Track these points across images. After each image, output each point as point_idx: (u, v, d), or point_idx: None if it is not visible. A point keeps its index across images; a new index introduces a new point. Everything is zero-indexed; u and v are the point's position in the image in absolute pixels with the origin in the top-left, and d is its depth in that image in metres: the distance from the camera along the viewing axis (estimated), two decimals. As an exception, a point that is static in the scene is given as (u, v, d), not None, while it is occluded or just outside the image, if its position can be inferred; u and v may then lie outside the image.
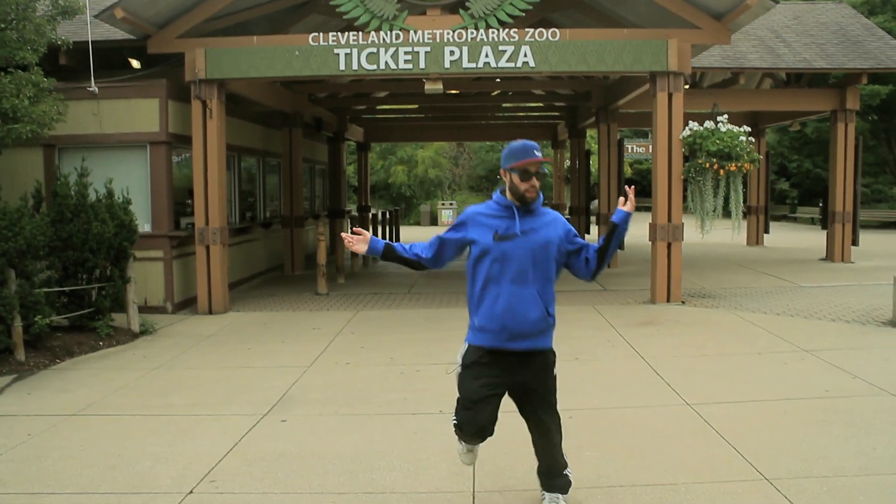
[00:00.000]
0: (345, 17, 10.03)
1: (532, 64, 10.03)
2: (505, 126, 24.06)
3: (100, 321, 8.61)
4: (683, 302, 10.46)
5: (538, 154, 3.62)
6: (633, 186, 3.85)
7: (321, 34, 10.05)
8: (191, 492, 4.32)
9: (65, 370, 7.35)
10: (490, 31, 9.96)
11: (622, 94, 13.16)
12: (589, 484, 4.32)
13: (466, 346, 3.80)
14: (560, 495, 3.92)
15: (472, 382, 3.68)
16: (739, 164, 10.15)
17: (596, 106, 14.86)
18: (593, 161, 21.36)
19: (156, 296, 10.37)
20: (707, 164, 10.11)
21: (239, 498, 4.23)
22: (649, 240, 10.61)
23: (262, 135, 14.14)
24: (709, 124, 10.29)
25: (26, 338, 7.57)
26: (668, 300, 10.41)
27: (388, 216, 20.54)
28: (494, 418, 3.71)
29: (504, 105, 20.66)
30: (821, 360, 7.08)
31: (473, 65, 10.05)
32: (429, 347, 8.03)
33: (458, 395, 3.77)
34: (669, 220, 10.36)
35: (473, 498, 4.19)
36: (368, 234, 3.85)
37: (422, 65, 10.03)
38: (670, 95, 10.27)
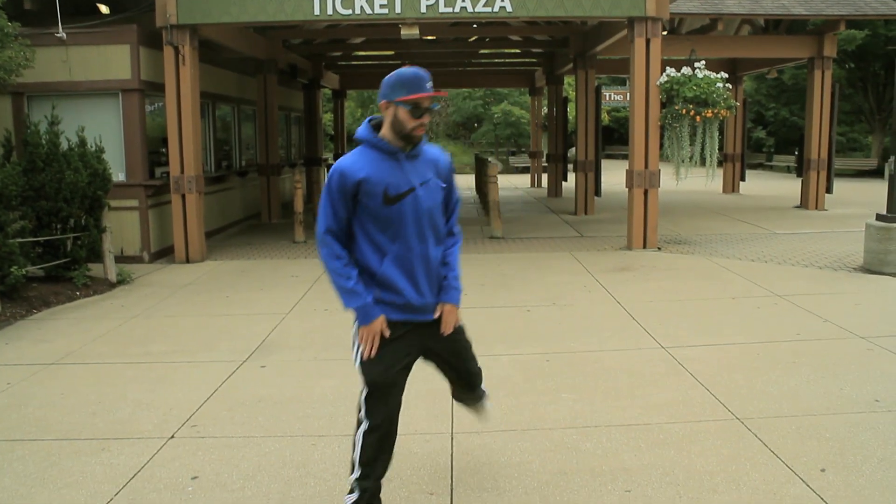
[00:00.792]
0: (319, -41, 9.82)
1: (509, 9, 9.92)
2: (482, 73, 23.87)
3: (76, 271, 8.55)
4: (659, 248, 10.57)
5: (430, 86, 3.06)
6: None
7: (295, -22, 9.85)
8: (172, 436, 4.36)
9: (42, 320, 7.32)
10: (467, -26, 9.82)
11: (600, 40, 13.07)
12: (565, 424, 4.41)
13: None
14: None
15: None
16: (716, 111, 10.17)
17: (574, 52, 14.76)
18: (571, 108, 21.31)
19: (132, 245, 10.30)
20: (683, 111, 10.12)
21: (220, 441, 4.28)
22: (626, 186, 10.66)
23: (237, 82, 13.93)
24: (686, 70, 10.27)
25: (2, 289, 7.52)
26: (644, 246, 10.51)
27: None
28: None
29: (481, 51, 20.47)
30: (793, 305, 7.21)
31: (450, 10, 9.93)
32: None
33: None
34: (646, 166, 10.40)
35: (452, 438, 4.27)
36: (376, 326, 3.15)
37: (398, 9, 9.89)
38: (648, 41, 10.22)
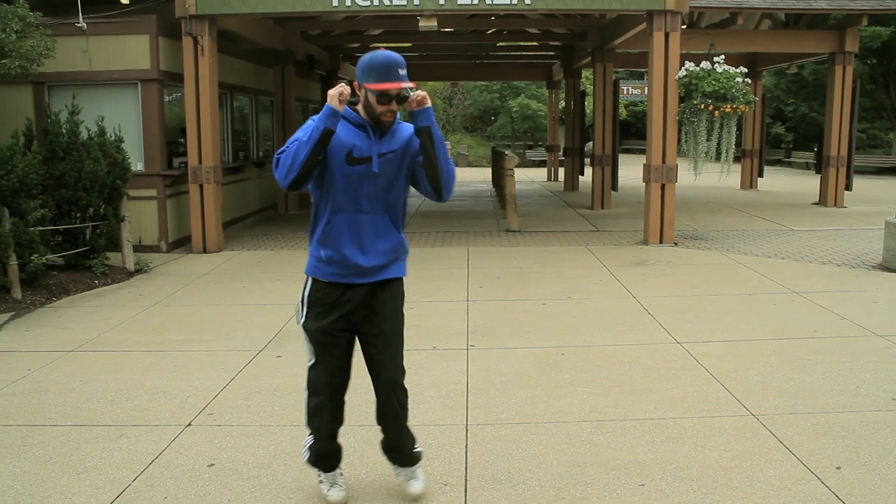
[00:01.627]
0: (338, -49, 9.83)
1: (527, 1, 9.90)
2: (499, 65, 23.80)
3: (94, 260, 8.63)
4: (676, 243, 10.53)
5: (402, 74, 3.05)
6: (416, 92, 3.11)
7: (314, -31, 9.87)
8: (189, 424, 4.41)
9: (61, 308, 7.40)
10: (486, -33, 9.80)
11: (618, 34, 13.00)
12: (580, 418, 4.41)
13: None
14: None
15: None
16: (735, 106, 10.11)
17: (592, 45, 14.69)
18: (588, 102, 21.23)
19: (150, 235, 10.38)
20: (702, 106, 10.07)
21: (236, 430, 4.32)
22: (643, 181, 10.62)
23: (255, 73, 13.97)
24: (705, 65, 10.21)
25: (22, 276, 7.59)
26: (660, 241, 10.48)
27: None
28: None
29: (499, 44, 20.38)
30: (810, 302, 7.17)
31: (468, 1, 9.92)
32: (422, 285, 8.09)
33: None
34: (664, 161, 10.35)
35: (466, 430, 4.28)
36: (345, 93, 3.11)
37: (416, 1, 9.88)
38: (667, 35, 10.16)
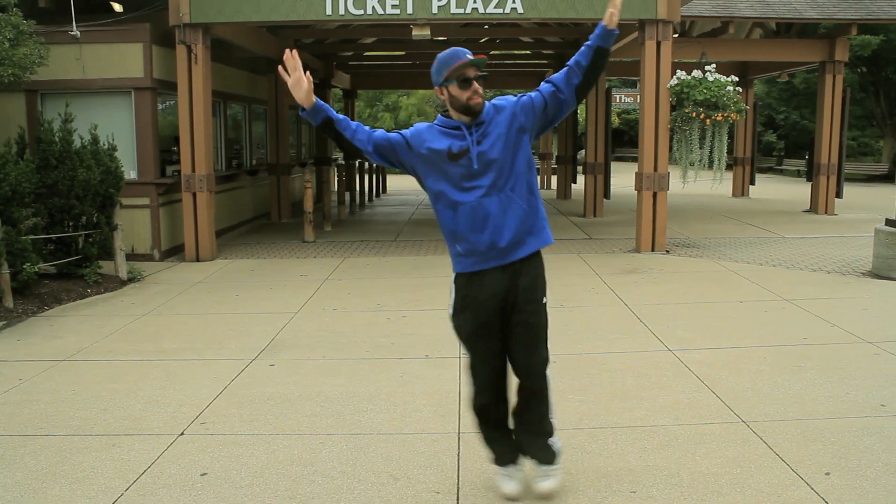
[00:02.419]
0: (331, -40, 9.87)
1: (520, 10, 9.95)
2: (492, 74, 23.79)
3: (87, 268, 8.62)
4: (668, 251, 10.57)
5: (469, 55, 3.15)
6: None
7: (307, -22, 9.91)
8: (182, 433, 4.41)
9: (54, 317, 7.39)
10: (479, -24, 9.85)
11: (611, 43, 13.04)
12: (571, 426, 4.43)
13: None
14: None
15: None
16: (726, 114, 10.17)
17: (584, 54, 14.72)
18: (581, 110, 21.30)
19: (143, 243, 10.38)
20: (694, 114, 10.13)
21: (229, 439, 4.33)
22: (635, 189, 10.66)
23: (248, 81, 14.00)
24: (696, 73, 10.27)
25: (14, 285, 7.58)
26: (652, 249, 10.52)
27: (373, 164, 20.42)
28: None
29: (492, 52, 20.46)
30: (800, 309, 7.21)
31: (461, 10, 9.96)
32: (415, 294, 8.11)
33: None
34: (655, 169, 10.40)
35: (459, 438, 4.30)
36: (307, 83, 3.30)
37: (409, 10, 9.93)
38: (659, 44, 10.23)
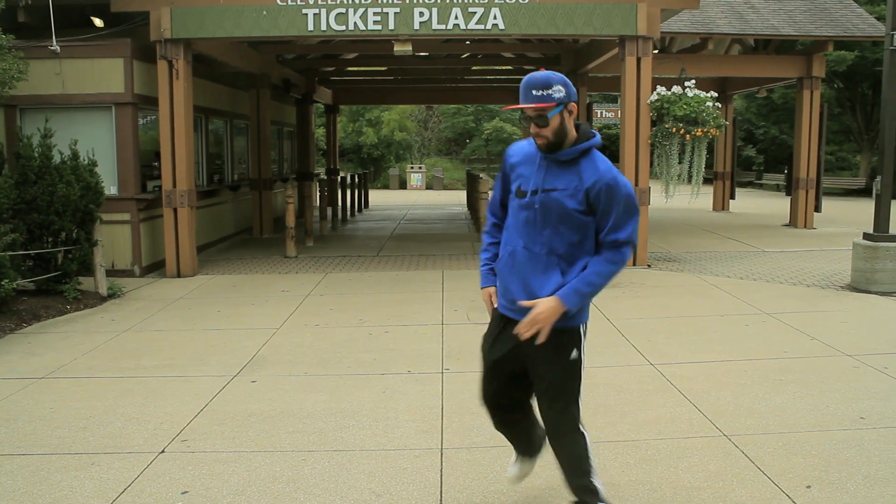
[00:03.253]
0: (313, -24, 9.90)
1: (502, 26, 10.01)
2: (474, 89, 23.97)
3: (67, 285, 8.54)
4: (649, 265, 10.63)
5: (537, 95, 2.93)
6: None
7: (289, -6, 9.92)
8: (163, 451, 4.37)
9: (32, 334, 7.31)
10: (460, -7, 9.91)
11: (591, 58, 13.18)
12: (554, 441, 4.43)
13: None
14: None
15: None
16: (706, 130, 10.27)
17: (565, 70, 14.86)
18: (563, 125, 21.37)
19: (123, 259, 10.29)
20: (674, 129, 10.22)
21: (210, 456, 4.29)
22: (617, 204, 10.70)
23: (230, 96, 13.97)
24: (676, 89, 10.37)
25: (-8, 301, 7.50)
26: (633, 263, 10.57)
27: (356, 180, 20.46)
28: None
29: (473, 68, 20.57)
30: (781, 323, 7.27)
31: (443, 26, 10.01)
32: (397, 309, 8.10)
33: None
34: (637, 183, 10.46)
35: (441, 454, 4.29)
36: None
37: (391, 26, 9.96)
38: (639, 60, 10.32)
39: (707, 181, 11.44)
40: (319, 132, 29.41)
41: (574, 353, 3.15)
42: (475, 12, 9.92)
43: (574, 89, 3.03)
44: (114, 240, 10.04)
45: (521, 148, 3.22)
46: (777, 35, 13.78)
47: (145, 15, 10.03)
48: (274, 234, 14.65)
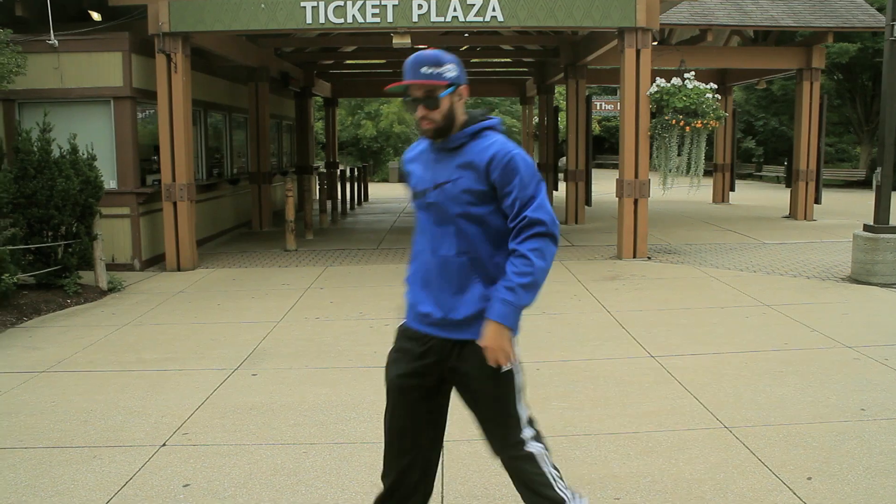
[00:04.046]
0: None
1: (500, 18, 9.98)
2: (473, 82, 23.86)
3: (67, 279, 8.54)
4: (649, 257, 10.63)
5: (426, 72, 2.66)
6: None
7: (288, -13, 9.90)
8: (164, 444, 4.38)
9: (33, 328, 7.31)
10: (459, -15, 9.89)
11: (591, 50, 13.15)
12: (555, 433, 4.43)
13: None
14: None
15: None
16: (705, 122, 10.27)
17: (564, 62, 14.84)
18: (562, 118, 21.40)
19: (123, 253, 10.30)
20: (673, 121, 10.22)
21: (212, 449, 4.30)
22: (616, 196, 10.72)
23: (229, 90, 13.95)
24: (676, 81, 10.36)
25: (-8, 295, 7.50)
26: (634, 255, 10.57)
27: (355, 173, 20.43)
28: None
29: (472, 60, 20.52)
30: (781, 315, 7.27)
31: (442, 19, 9.98)
32: (398, 302, 8.08)
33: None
34: (636, 176, 10.47)
35: (443, 446, 4.28)
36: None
37: (389, 18, 9.94)
38: (638, 52, 10.31)
39: (707, 173, 11.44)
40: (318, 125, 29.36)
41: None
42: (474, 4, 9.90)
43: (464, 73, 2.77)
44: (113, 234, 10.04)
45: (414, 147, 2.94)
46: (777, 26, 13.76)
47: (143, 8, 10.00)
48: (273, 228, 14.65)
